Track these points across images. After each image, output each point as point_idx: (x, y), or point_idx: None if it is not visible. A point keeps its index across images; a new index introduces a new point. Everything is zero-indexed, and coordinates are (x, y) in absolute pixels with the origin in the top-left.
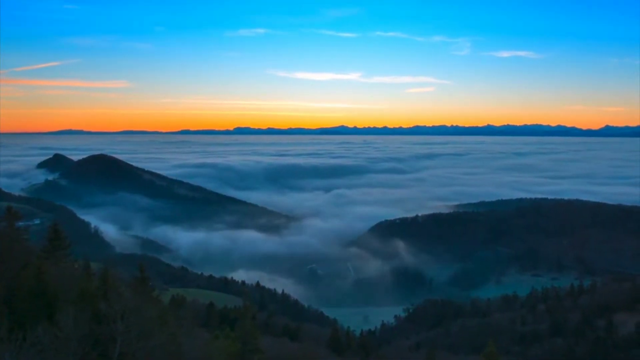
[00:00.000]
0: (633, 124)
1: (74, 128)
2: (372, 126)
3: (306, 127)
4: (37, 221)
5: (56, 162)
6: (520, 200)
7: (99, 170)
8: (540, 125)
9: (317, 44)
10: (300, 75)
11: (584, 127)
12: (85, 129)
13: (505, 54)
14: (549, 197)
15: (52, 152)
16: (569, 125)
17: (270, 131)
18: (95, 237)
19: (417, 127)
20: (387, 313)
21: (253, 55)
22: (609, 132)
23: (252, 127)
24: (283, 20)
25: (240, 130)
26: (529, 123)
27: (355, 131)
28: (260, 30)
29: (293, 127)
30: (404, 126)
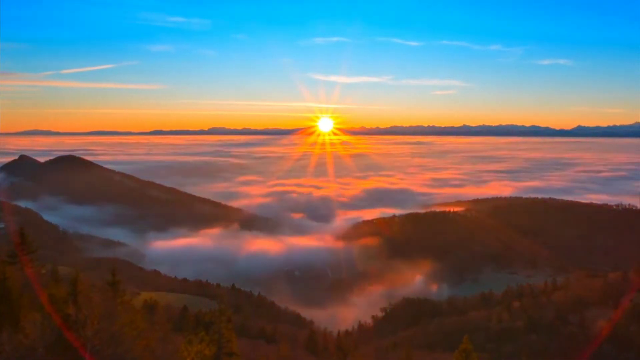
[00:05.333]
0: (603, 124)
1: (40, 128)
2: (351, 127)
3: (283, 127)
4: (0, 225)
5: (21, 164)
6: (496, 199)
7: (66, 172)
8: (515, 126)
9: (377, 51)
10: (333, 78)
11: (557, 127)
12: (53, 129)
13: (546, 61)
14: (524, 196)
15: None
16: (542, 125)
17: (246, 131)
18: (63, 240)
19: (394, 127)
20: (364, 313)
21: (306, 61)
22: (580, 132)
23: (227, 127)
24: (358, 29)
25: (215, 131)
26: (503, 124)
27: None
28: (334, 39)
29: (270, 127)
30: (381, 127)
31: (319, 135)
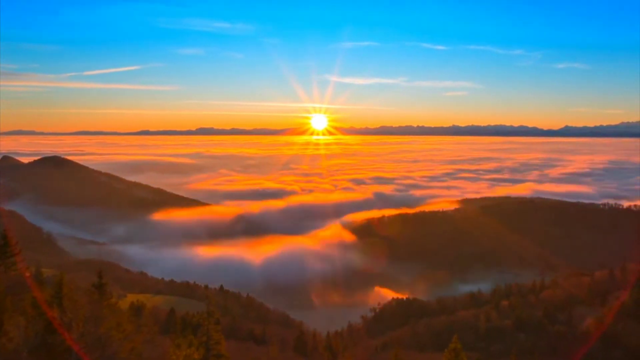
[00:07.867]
0: (590, 124)
1: (24, 129)
2: (341, 126)
3: (272, 127)
4: None
5: (4, 165)
6: (484, 199)
7: (50, 173)
8: (504, 126)
9: (402, 54)
10: (348, 80)
11: (545, 127)
12: (37, 129)
13: (561, 65)
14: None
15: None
16: (530, 125)
17: (235, 131)
18: (48, 242)
19: (384, 127)
20: (353, 313)
21: (327, 64)
22: (568, 132)
23: (215, 127)
24: (388, 34)
25: (203, 131)
26: (492, 124)
27: None
28: (365, 43)
29: (259, 127)
30: (370, 127)
31: (312, 133)
